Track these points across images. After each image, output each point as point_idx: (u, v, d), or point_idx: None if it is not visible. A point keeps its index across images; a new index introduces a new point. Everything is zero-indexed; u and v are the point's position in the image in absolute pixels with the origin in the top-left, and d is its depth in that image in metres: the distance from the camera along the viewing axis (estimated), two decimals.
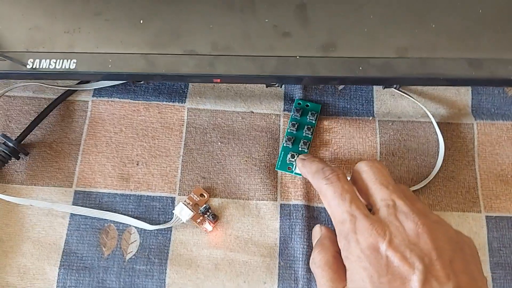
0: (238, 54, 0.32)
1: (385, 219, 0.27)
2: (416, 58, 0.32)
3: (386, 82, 0.33)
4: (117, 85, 0.39)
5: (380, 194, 0.29)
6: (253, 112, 0.39)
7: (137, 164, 0.37)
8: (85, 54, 0.31)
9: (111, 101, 0.39)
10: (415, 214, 0.27)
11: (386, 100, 0.39)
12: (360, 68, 0.31)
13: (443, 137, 0.38)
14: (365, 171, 0.30)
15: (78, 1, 0.33)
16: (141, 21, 0.33)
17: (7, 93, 0.38)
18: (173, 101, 0.39)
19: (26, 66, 0.31)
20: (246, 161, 0.38)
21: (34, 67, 0.31)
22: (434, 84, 0.37)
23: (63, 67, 0.31)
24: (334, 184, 0.29)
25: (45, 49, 0.32)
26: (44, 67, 0.31)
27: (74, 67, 0.31)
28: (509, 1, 0.33)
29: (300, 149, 0.38)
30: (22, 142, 0.37)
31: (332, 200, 0.29)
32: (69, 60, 0.31)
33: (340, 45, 0.32)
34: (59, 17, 0.33)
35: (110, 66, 0.31)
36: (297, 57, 0.32)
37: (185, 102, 0.39)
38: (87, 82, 0.38)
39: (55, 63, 0.31)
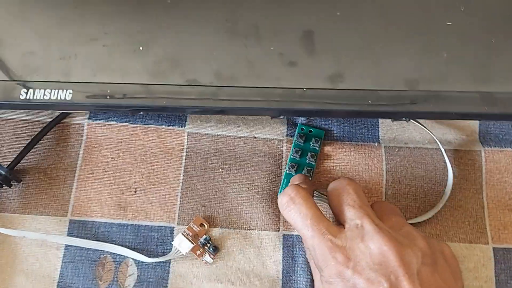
0: (242, 85, 0.31)
1: (352, 242, 0.27)
2: (427, 91, 0.30)
3: (396, 116, 0.32)
4: None
5: (349, 214, 0.29)
6: (255, 137, 0.38)
7: (135, 192, 0.36)
8: (81, 83, 0.30)
9: (108, 124, 0.37)
10: (381, 233, 0.27)
11: (392, 125, 0.38)
12: (369, 101, 0.30)
13: (451, 164, 0.37)
14: (336, 191, 0.30)
15: (74, 25, 0.32)
16: (141, 48, 0.31)
17: None
18: (173, 125, 0.38)
19: (19, 97, 0.29)
20: (248, 188, 0.36)
21: (27, 97, 0.29)
22: (445, 118, 0.36)
23: (59, 97, 0.29)
24: (296, 208, 0.29)
25: (39, 77, 0.30)
26: (38, 97, 0.29)
27: (70, 98, 0.29)
28: None
29: None
30: (15, 168, 0.35)
31: (298, 226, 0.29)
32: (64, 90, 0.29)
33: (348, 76, 0.31)
34: (54, 42, 0.31)
35: (108, 97, 0.29)
36: (304, 89, 0.30)
37: (185, 126, 0.38)
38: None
39: (50, 93, 0.29)
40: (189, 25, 0.32)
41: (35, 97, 0.29)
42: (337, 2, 0.33)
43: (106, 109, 0.33)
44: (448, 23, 0.32)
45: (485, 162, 0.38)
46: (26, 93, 0.29)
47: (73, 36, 0.31)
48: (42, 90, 0.29)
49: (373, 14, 0.32)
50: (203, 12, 0.32)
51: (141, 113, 0.34)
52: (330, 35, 0.32)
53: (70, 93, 0.29)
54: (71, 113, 0.37)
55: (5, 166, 0.34)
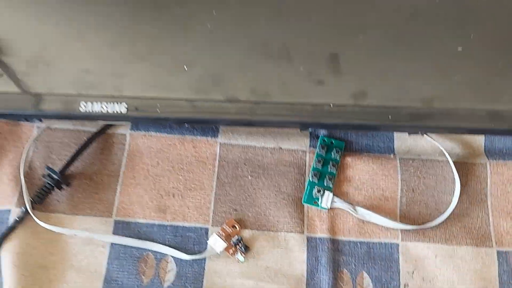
0: (275, 100, 0.34)
1: None
2: (440, 108, 0.34)
3: (412, 130, 0.36)
4: None
5: None
6: (281, 148, 0.41)
7: (173, 196, 0.40)
8: (134, 98, 0.33)
9: (148, 135, 0.41)
10: None
11: (406, 138, 0.42)
12: (389, 117, 0.34)
13: (458, 175, 0.40)
14: None
15: (127, 45, 0.35)
16: (185, 67, 0.35)
17: (48, 125, 0.40)
18: (207, 136, 0.41)
19: (79, 109, 0.33)
20: (275, 194, 0.40)
21: (86, 110, 0.33)
22: (456, 133, 0.39)
23: (114, 110, 0.33)
24: None
25: (96, 92, 0.34)
26: (96, 110, 0.33)
27: (125, 111, 0.33)
28: None
29: (325, 184, 0.40)
30: (64, 173, 0.39)
31: None
32: (120, 104, 0.33)
33: (371, 94, 0.35)
34: (109, 60, 0.35)
35: (158, 110, 0.33)
36: (331, 105, 0.34)
37: (218, 137, 0.41)
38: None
39: (107, 106, 0.33)
40: (228, 47, 0.36)
41: (93, 110, 0.33)
42: (359, 28, 0.37)
43: (155, 121, 0.36)
44: (459, 49, 0.36)
45: (490, 174, 0.41)
46: (85, 106, 0.33)
47: (126, 56, 0.35)
48: (99, 103, 0.33)
49: (392, 39, 0.36)
50: (240, 36, 0.36)
51: (186, 125, 0.38)
52: (353, 57, 0.36)
53: (125, 106, 0.33)
54: (115, 124, 0.41)
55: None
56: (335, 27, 0.37)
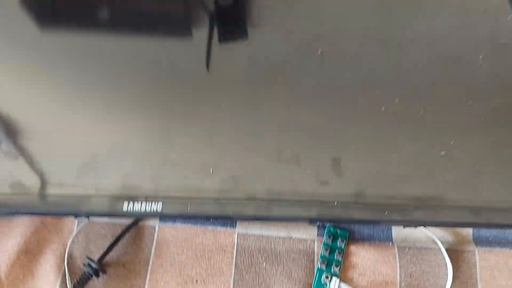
0: (287, 198, 0.40)
1: None
2: (429, 205, 0.40)
3: (406, 224, 0.41)
4: None
5: None
6: (292, 237, 0.47)
7: (196, 282, 0.44)
8: (169, 198, 0.40)
9: (175, 226, 0.47)
10: None
11: (403, 229, 0.48)
12: (386, 213, 0.40)
13: (450, 261, 0.45)
14: None
15: (161, 152, 0.42)
16: (211, 170, 0.41)
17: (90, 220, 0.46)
18: (226, 227, 0.47)
19: (122, 209, 0.39)
20: (287, 280, 0.45)
21: (128, 209, 0.39)
22: (443, 226, 0.45)
23: (152, 209, 0.39)
24: None
25: (137, 193, 0.40)
26: (136, 209, 0.39)
27: (160, 209, 0.39)
28: (503, 159, 0.43)
29: (332, 270, 0.45)
30: (101, 262, 0.44)
31: None
32: (156, 203, 0.39)
33: (369, 192, 0.41)
34: (147, 165, 0.41)
35: (189, 208, 0.39)
36: (335, 202, 0.40)
37: (235, 227, 0.47)
38: None
39: (145, 205, 0.39)
40: (246, 153, 0.43)
41: (134, 209, 0.39)
42: (357, 137, 0.44)
43: (186, 217, 0.42)
44: (442, 153, 0.43)
45: (478, 260, 0.46)
46: (128, 205, 0.39)
47: (161, 161, 0.42)
48: (140, 203, 0.39)
49: (385, 146, 0.43)
50: (257, 145, 0.43)
51: (211, 220, 0.44)
52: (352, 161, 0.42)
53: (160, 205, 0.39)
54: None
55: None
56: (336, 136, 0.44)
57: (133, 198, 0.40)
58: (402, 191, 0.41)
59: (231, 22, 0.56)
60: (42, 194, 0.40)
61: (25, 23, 0.51)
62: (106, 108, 0.45)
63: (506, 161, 0.43)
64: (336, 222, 0.47)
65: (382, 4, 0.54)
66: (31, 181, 0.40)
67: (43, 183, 0.40)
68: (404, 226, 0.45)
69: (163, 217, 0.46)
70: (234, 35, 0.54)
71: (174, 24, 0.56)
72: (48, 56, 0.48)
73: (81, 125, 0.44)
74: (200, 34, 0.53)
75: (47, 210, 0.39)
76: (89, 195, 0.40)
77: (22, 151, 0.42)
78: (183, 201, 0.40)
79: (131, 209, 0.39)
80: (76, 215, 0.42)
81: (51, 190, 0.40)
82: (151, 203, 0.39)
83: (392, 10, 0.53)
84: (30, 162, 0.41)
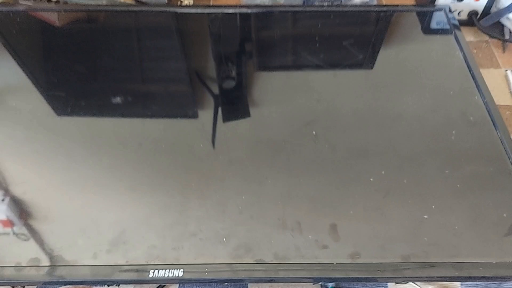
0: (292, 262, 0.46)
1: None
2: (416, 263, 0.46)
3: (397, 281, 0.47)
4: None
5: None
6: None
7: None
8: (188, 265, 0.46)
9: None
10: None
11: (398, 286, 0.53)
12: (378, 271, 0.46)
13: None
14: None
15: (181, 226, 0.49)
16: (224, 240, 0.48)
17: None
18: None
19: (148, 276, 0.45)
20: None
21: (153, 276, 0.45)
22: (430, 281, 0.51)
23: (174, 275, 0.45)
24: None
25: (160, 261, 0.46)
26: (160, 275, 0.45)
27: (181, 275, 0.45)
28: (479, 220, 0.49)
29: None
30: None
31: None
32: (178, 270, 0.45)
33: (363, 254, 0.47)
34: (169, 238, 0.48)
35: (206, 274, 0.45)
36: (334, 263, 0.46)
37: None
38: None
39: (169, 272, 0.45)
40: (254, 224, 0.49)
41: (159, 275, 0.45)
42: (350, 206, 0.50)
43: (204, 282, 0.48)
44: (425, 216, 0.49)
45: None
46: (153, 273, 0.45)
47: (181, 233, 0.48)
48: (164, 270, 0.45)
49: (376, 214, 0.50)
50: (264, 215, 0.50)
51: (226, 283, 0.49)
52: (347, 227, 0.49)
53: (182, 271, 0.45)
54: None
55: None
56: (332, 205, 0.51)
57: (157, 267, 0.46)
58: (392, 251, 0.47)
59: (234, 103, 0.65)
60: (79, 266, 0.46)
61: (46, 109, 0.60)
62: (129, 189, 0.53)
63: (481, 222, 0.50)
64: (336, 281, 0.52)
65: (367, 93, 0.63)
66: (71, 255, 0.46)
67: (80, 256, 0.46)
68: (396, 282, 0.50)
69: (189, 282, 0.51)
70: (237, 115, 0.62)
71: (182, 106, 0.65)
72: (69, 141, 0.57)
73: (110, 204, 0.51)
74: (206, 114, 0.62)
75: (84, 280, 0.45)
76: (120, 265, 0.46)
77: (62, 229, 0.48)
78: (201, 267, 0.46)
79: (156, 276, 0.45)
80: (109, 284, 0.47)
81: (87, 262, 0.46)
82: (174, 270, 0.45)
83: (375, 97, 0.63)
84: (69, 237, 0.48)
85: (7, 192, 0.52)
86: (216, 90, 0.66)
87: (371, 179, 0.53)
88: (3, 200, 0.51)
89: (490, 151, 0.56)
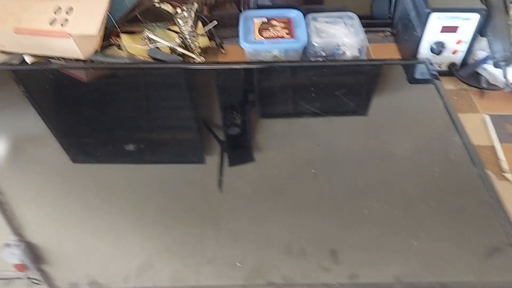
0: (298, 282, 0.53)
1: None
2: (407, 283, 0.53)
3: None
4: None
5: None
6: None
7: None
8: (208, 286, 0.52)
9: None
10: None
11: None
12: None
13: None
14: None
15: (198, 253, 0.56)
16: (238, 264, 0.54)
17: None
18: None
19: None
20: None
21: None
22: None
23: None
24: None
25: (183, 284, 0.53)
26: None
27: None
28: (462, 245, 0.56)
29: None
30: None
31: None
32: None
33: (360, 275, 0.53)
34: (189, 263, 0.55)
35: None
36: (336, 284, 0.53)
37: None
38: None
39: None
40: (264, 251, 0.56)
41: None
42: (348, 235, 0.58)
43: None
44: (415, 243, 0.56)
45: None
46: None
47: (200, 259, 0.55)
48: None
49: (370, 243, 0.57)
50: (272, 243, 0.57)
51: None
52: (346, 252, 0.56)
53: None
54: None
55: None
56: (332, 233, 0.58)
57: None
58: (386, 272, 0.54)
59: (239, 148, 0.73)
60: None
61: (64, 157, 0.68)
62: (151, 223, 0.60)
63: (464, 247, 0.57)
64: None
65: (359, 136, 0.72)
66: (104, 279, 0.53)
67: (113, 280, 0.53)
68: None
69: None
70: (242, 159, 0.70)
71: (189, 152, 0.73)
72: (83, 186, 0.65)
73: (135, 236, 0.58)
74: (213, 159, 0.70)
75: None
76: (147, 287, 0.53)
77: (94, 258, 0.55)
78: None
79: None
80: None
81: (118, 285, 0.53)
82: None
83: (367, 139, 0.71)
84: (102, 265, 0.55)
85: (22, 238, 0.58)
86: (222, 136, 0.75)
87: (365, 211, 0.60)
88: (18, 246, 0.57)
89: (470, 185, 0.64)
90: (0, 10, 0.89)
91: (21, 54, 0.92)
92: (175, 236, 0.58)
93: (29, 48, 0.90)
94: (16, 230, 0.59)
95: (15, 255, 0.56)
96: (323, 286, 0.53)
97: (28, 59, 0.91)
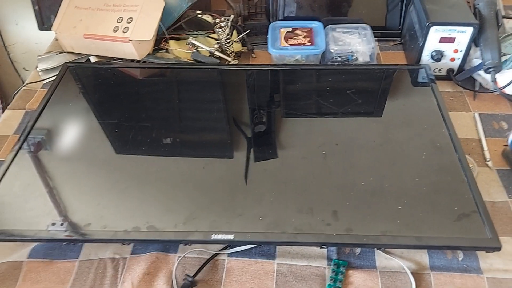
0: (306, 232, 0.69)
1: None
2: (391, 235, 0.68)
3: (378, 247, 0.69)
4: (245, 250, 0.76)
5: None
6: (311, 265, 0.74)
7: None
8: (237, 232, 0.69)
9: (237, 259, 0.75)
10: None
11: (383, 259, 0.74)
12: (364, 240, 0.68)
13: (414, 281, 0.71)
14: None
15: (230, 209, 0.73)
16: (260, 218, 0.71)
17: (185, 254, 0.75)
18: (269, 259, 0.74)
19: (211, 238, 0.69)
20: None
21: (214, 238, 0.68)
22: (399, 248, 0.72)
23: (227, 238, 0.68)
24: None
25: (220, 229, 0.70)
26: (219, 238, 0.68)
27: (232, 238, 0.68)
28: (437, 210, 0.71)
29: (337, 286, 0.71)
30: (194, 279, 0.72)
31: None
32: (230, 235, 0.69)
33: (355, 229, 0.69)
34: (223, 216, 0.72)
35: (249, 237, 0.68)
36: (334, 234, 0.69)
37: (275, 259, 0.75)
38: (229, 247, 0.75)
39: (224, 236, 0.69)
40: (281, 210, 0.73)
41: (218, 238, 0.69)
42: (347, 198, 0.74)
43: (248, 243, 0.71)
44: (399, 207, 0.72)
45: (433, 279, 0.72)
46: (214, 236, 0.69)
47: (232, 214, 0.72)
48: (221, 235, 0.69)
49: (364, 206, 0.73)
50: (286, 205, 0.73)
51: (262, 245, 0.72)
52: (345, 212, 0.72)
53: (232, 236, 0.69)
54: (218, 253, 0.75)
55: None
56: (335, 198, 0.74)
57: (217, 233, 0.69)
58: (375, 228, 0.70)
59: (264, 145, 0.88)
60: (167, 232, 0.70)
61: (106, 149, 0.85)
62: (192, 191, 0.77)
63: (438, 212, 0.72)
64: (335, 246, 0.74)
65: (363, 128, 0.87)
66: (161, 223, 0.71)
67: (167, 226, 0.71)
68: (377, 249, 0.72)
69: (234, 245, 0.74)
70: (266, 156, 0.85)
71: (221, 149, 0.88)
72: (124, 175, 0.82)
73: (181, 197, 0.76)
74: (240, 155, 0.85)
75: (169, 239, 0.69)
76: (192, 231, 0.70)
77: (151, 209, 0.73)
78: (245, 234, 0.69)
79: (216, 239, 0.69)
80: (185, 243, 0.71)
81: (173, 229, 0.70)
82: (227, 235, 0.69)
83: (370, 131, 0.87)
84: (157, 215, 0.72)
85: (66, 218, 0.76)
86: (249, 134, 0.90)
87: (362, 183, 0.76)
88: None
89: (450, 167, 0.79)
90: (72, 19, 1.09)
91: (87, 55, 1.12)
92: (213, 198, 0.75)
93: (95, 50, 1.09)
94: (62, 212, 0.74)
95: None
96: (325, 235, 0.69)
97: (93, 59, 1.11)
